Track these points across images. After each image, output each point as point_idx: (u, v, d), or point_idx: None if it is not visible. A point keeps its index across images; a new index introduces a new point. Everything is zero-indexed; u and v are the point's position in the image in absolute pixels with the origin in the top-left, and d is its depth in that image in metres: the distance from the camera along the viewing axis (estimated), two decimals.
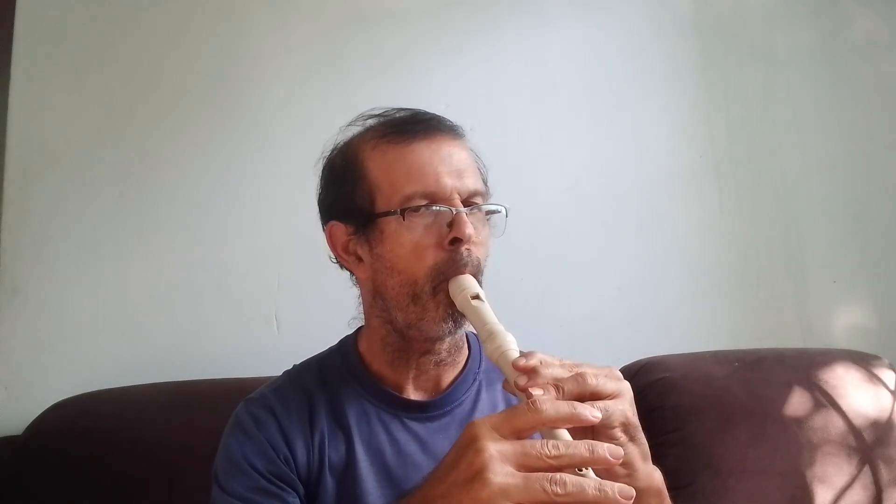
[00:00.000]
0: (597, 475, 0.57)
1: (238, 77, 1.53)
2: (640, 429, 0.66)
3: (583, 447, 0.55)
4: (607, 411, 0.61)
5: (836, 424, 1.26)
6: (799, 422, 1.26)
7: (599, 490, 0.53)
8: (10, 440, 1.20)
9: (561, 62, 1.70)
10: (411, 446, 0.82)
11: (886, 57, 1.85)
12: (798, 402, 1.28)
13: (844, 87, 1.82)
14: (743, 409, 1.26)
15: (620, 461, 0.57)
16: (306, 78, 1.56)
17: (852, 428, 1.27)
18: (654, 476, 0.68)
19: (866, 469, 1.24)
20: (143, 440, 1.15)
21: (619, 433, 0.64)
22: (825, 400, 1.29)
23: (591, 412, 0.58)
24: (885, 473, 1.24)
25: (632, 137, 1.69)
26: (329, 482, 0.80)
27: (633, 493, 0.54)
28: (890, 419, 1.29)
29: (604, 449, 0.55)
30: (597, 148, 1.67)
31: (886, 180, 1.79)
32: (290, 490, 0.78)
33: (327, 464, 0.80)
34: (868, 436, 1.26)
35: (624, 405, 0.64)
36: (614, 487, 0.53)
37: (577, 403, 0.58)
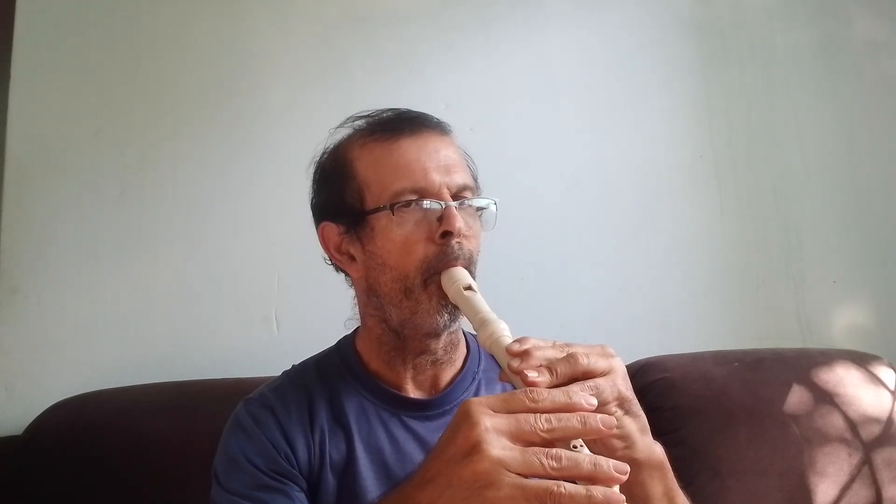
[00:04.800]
0: (596, 450, 0.57)
1: (238, 77, 1.53)
2: (636, 402, 0.66)
3: (575, 419, 0.56)
4: (598, 388, 0.62)
5: (835, 424, 1.26)
6: (799, 422, 1.26)
7: (594, 465, 0.54)
8: (10, 440, 1.20)
9: (561, 62, 1.70)
10: (410, 444, 0.82)
11: (886, 57, 1.85)
12: (798, 402, 1.28)
13: (844, 87, 1.81)
14: (742, 409, 1.26)
15: (613, 430, 0.57)
16: (306, 78, 1.56)
17: (852, 428, 1.27)
18: (653, 448, 0.67)
19: (866, 469, 1.24)
20: (143, 440, 1.15)
21: (613, 408, 0.64)
22: (825, 400, 1.29)
23: (587, 399, 0.58)
24: (884, 473, 1.24)
25: (632, 137, 1.69)
26: (330, 480, 0.80)
27: (628, 468, 0.54)
28: (889, 419, 1.29)
29: (596, 420, 0.56)
30: (597, 148, 1.67)
31: (886, 180, 1.79)
32: (293, 484, 0.78)
33: (328, 461, 0.80)
34: (868, 436, 1.26)
35: (615, 381, 0.64)
36: (609, 462, 0.54)
37: (572, 392, 0.58)
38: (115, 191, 1.43)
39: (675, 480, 0.69)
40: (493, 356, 0.70)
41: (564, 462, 0.53)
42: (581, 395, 0.58)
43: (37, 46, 1.44)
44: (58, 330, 1.36)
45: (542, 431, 0.55)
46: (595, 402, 0.59)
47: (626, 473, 0.54)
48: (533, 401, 0.57)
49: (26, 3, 1.45)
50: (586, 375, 0.63)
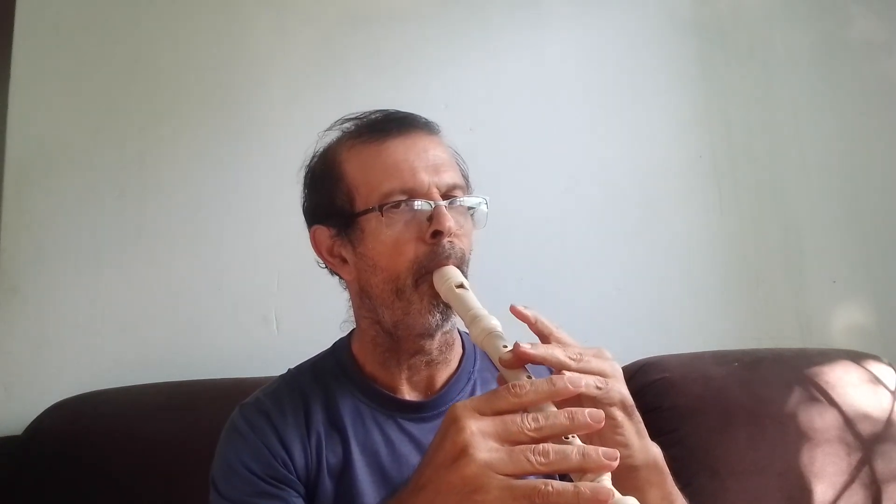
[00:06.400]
0: None
1: (237, 77, 1.53)
2: (635, 407, 0.66)
3: (562, 416, 0.55)
4: (607, 385, 0.62)
5: (835, 424, 1.27)
6: (798, 422, 1.26)
7: (583, 455, 0.53)
8: (10, 440, 1.20)
9: (560, 62, 1.70)
10: (406, 447, 0.82)
11: (886, 57, 1.85)
12: (797, 403, 1.28)
13: (844, 87, 1.82)
14: (742, 409, 1.26)
15: (602, 424, 0.56)
16: (306, 79, 1.56)
17: (851, 428, 1.27)
18: (650, 451, 0.67)
19: (866, 469, 1.24)
20: (143, 440, 1.15)
21: (616, 412, 0.63)
22: (824, 400, 1.29)
23: (573, 381, 0.58)
24: (884, 473, 1.24)
25: (631, 137, 1.69)
26: (327, 484, 0.79)
27: (618, 454, 0.54)
28: (889, 419, 1.29)
29: (584, 415, 0.55)
30: (596, 148, 1.67)
31: (886, 180, 1.79)
32: (291, 490, 0.78)
33: (325, 466, 0.80)
34: (867, 435, 1.27)
35: (619, 384, 0.64)
36: (598, 451, 0.54)
37: (556, 379, 0.58)
38: (115, 191, 1.43)
39: (673, 485, 0.69)
40: (485, 352, 0.69)
41: (552, 456, 0.53)
42: (564, 379, 0.58)
43: (37, 46, 1.45)
44: (58, 330, 1.36)
45: (529, 431, 0.55)
46: (583, 382, 0.59)
47: (616, 459, 0.54)
48: (516, 395, 0.56)
49: (26, 3, 1.45)
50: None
